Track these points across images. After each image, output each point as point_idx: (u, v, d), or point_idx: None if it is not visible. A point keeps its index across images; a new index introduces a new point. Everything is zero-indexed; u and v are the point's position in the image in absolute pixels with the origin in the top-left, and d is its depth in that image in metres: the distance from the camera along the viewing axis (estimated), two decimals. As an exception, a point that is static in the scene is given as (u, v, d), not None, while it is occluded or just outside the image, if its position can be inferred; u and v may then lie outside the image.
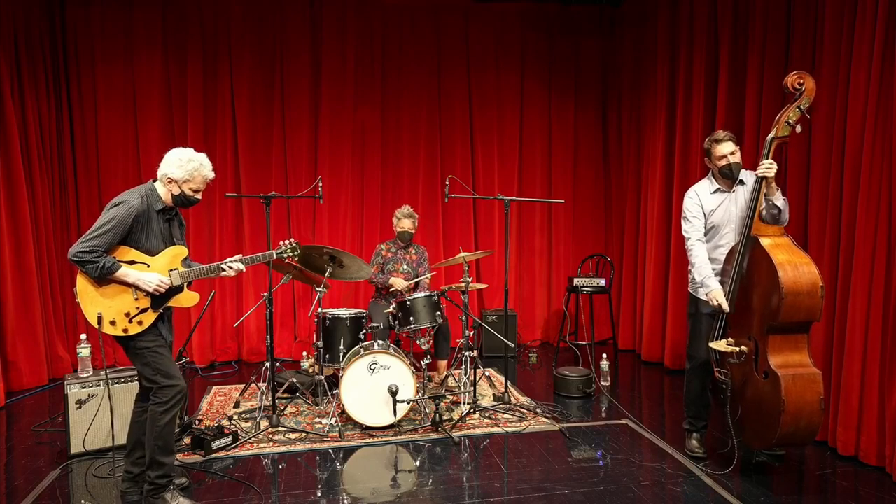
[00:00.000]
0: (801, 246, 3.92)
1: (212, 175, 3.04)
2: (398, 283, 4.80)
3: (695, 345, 3.55)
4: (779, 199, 3.21)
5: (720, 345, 3.23)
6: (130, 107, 5.57)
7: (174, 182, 2.93)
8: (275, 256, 3.37)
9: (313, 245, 4.50)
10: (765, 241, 3.09)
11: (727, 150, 3.33)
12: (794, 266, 2.99)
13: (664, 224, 5.53)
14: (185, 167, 2.92)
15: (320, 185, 4.29)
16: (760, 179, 3.15)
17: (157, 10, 5.53)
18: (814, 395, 2.98)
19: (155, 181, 2.99)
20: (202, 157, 3.00)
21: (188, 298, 3.07)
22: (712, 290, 3.29)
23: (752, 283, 3.16)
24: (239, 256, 3.20)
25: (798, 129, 3.13)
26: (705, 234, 3.47)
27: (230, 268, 3.11)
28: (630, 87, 6.22)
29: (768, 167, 3.13)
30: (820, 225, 3.74)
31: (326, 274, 4.18)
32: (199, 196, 3.02)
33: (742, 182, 3.41)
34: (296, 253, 3.44)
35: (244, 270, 3.20)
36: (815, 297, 2.98)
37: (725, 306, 3.24)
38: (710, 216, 3.45)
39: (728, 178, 3.39)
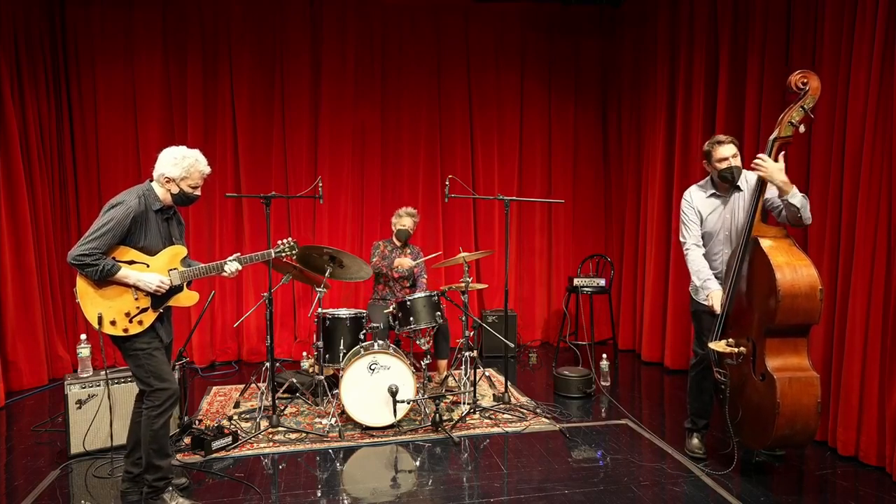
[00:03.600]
0: (800, 245, 3.94)
1: (208, 170, 3.04)
2: (405, 262, 4.78)
3: (698, 341, 3.55)
4: (795, 198, 3.03)
5: (719, 345, 3.22)
6: (130, 107, 5.57)
7: (172, 181, 2.94)
8: (273, 255, 3.38)
9: (313, 245, 4.50)
10: (765, 243, 3.06)
11: (728, 152, 3.28)
12: (792, 268, 2.96)
13: (664, 224, 5.54)
14: (180, 164, 2.93)
15: (320, 185, 4.29)
16: (762, 179, 3.11)
17: (157, 10, 5.53)
18: (811, 399, 2.97)
19: (151, 181, 2.99)
20: (196, 153, 3.00)
21: (188, 298, 3.07)
22: (712, 292, 3.30)
23: (751, 284, 3.14)
24: (237, 255, 3.20)
25: (801, 129, 3.05)
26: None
27: (229, 267, 3.12)
28: (630, 87, 6.22)
29: (758, 166, 3.04)
30: (820, 225, 3.73)
31: (326, 274, 4.18)
32: (198, 192, 3.03)
33: (739, 188, 3.34)
34: (294, 251, 3.46)
35: (240, 268, 3.20)
36: (813, 300, 2.95)
37: (717, 309, 3.25)
38: (705, 222, 3.43)
39: (727, 181, 3.33)
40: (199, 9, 5.62)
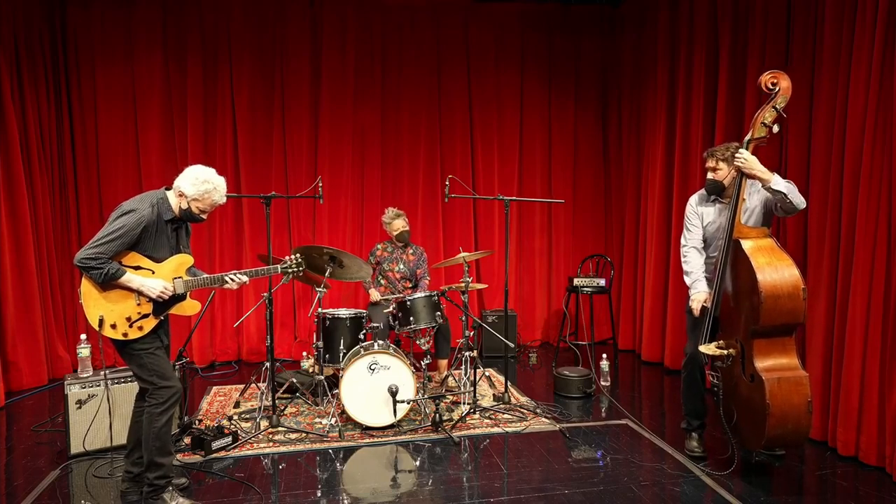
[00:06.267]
0: (801, 245, 3.94)
1: (222, 201, 3.04)
2: (373, 294, 4.90)
3: (690, 341, 3.56)
4: (779, 184, 3.03)
5: (709, 348, 3.23)
6: (130, 107, 5.57)
7: (184, 197, 2.94)
8: (279, 271, 3.37)
9: (313, 245, 4.50)
10: (746, 244, 3.06)
11: (707, 165, 3.39)
12: (774, 268, 2.96)
13: (664, 224, 5.53)
14: (198, 187, 2.92)
15: (320, 185, 4.29)
16: (740, 173, 3.13)
17: (157, 10, 5.53)
18: (800, 398, 2.97)
19: (168, 189, 2.99)
20: (219, 183, 2.99)
21: (190, 307, 3.08)
22: (697, 293, 3.39)
23: (735, 286, 3.15)
24: (244, 270, 3.21)
25: (775, 129, 3.08)
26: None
27: (232, 280, 3.13)
28: (630, 87, 6.22)
29: (736, 158, 3.09)
30: (820, 225, 3.74)
31: (326, 274, 4.18)
32: (204, 216, 3.02)
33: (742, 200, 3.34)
34: (300, 269, 3.45)
35: (247, 282, 3.21)
36: (796, 299, 2.94)
37: (696, 311, 3.34)
38: (706, 227, 3.48)
39: (707, 192, 3.44)
40: (199, 9, 5.62)
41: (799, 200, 3.08)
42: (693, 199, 3.56)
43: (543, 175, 6.55)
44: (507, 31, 6.31)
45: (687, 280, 3.49)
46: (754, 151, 3.11)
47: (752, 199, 3.32)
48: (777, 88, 3.04)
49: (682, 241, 3.57)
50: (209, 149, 5.68)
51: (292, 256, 3.46)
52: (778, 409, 2.94)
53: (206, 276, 3.08)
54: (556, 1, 6.34)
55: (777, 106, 3.04)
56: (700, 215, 3.49)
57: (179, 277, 2.98)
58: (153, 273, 2.92)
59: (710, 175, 3.38)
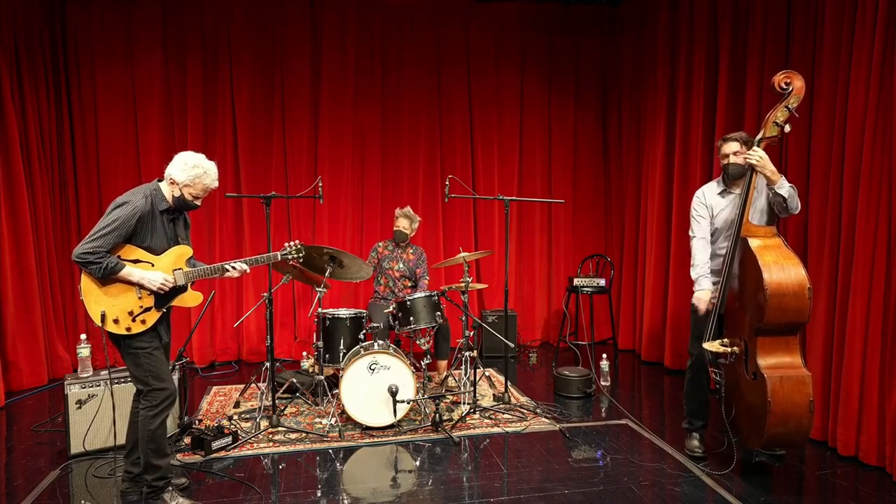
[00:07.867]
0: (801, 245, 3.94)
1: (214, 185, 3.03)
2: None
3: (694, 342, 3.56)
4: (783, 188, 3.11)
5: (713, 345, 3.24)
6: (130, 107, 5.57)
7: (175, 184, 2.94)
8: (279, 258, 3.38)
9: (313, 245, 4.50)
10: (753, 243, 3.08)
11: (730, 149, 3.35)
12: (780, 267, 2.98)
13: (664, 224, 5.53)
14: (188, 172, 2.92)
15: (320, 185, 4.29)
16: (751, 171, 3.14)
17: (157, 10, 5.53)
18: (802, 398, 2.97)
19: (161, 180, 2.99)
20: (209, 166, 2.99)
21: (192, 298, 3.08)
22: (701, 291, 3.37)
23: (741, 284, 3.16)
24: (245, 259, 3.21)
25: (787, 128, 3.10)
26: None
27: (234, 268, 3.13)
28: (630, 87, 6.22)
29: (750, 155, 3.11)
30: (820, 225, 3.74)
31: (326, 274, 4.18)
32: (198, 202, 3.01)
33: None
34: (300, 255, 3.45)
35: (248, 271, 3.21)
36: (801, 298, 2.96)
37: (702, 309, 3.33)
38: (715, 218, 3.46)
39: (731, 178, 3.40)
40: (199, 9, 5.62)
41: (795, 205, 3.17)
42: (701, 192, 3.54)
43: (543, 175, 6.56)
44: (507, 31, 6.31)
45: (693, 273, 3.48)
46: (766, 150, 3.14)
47: (761, 199, 3.33)
48: (790, 88, 3.05)
49: (691, 233, 3.55)
50: (209, 149, 5.68)
51: (292, 242, 3.46)
52: (779, 408, 2.94)
53: (206, 266, 3.08)
54: (556, 1, 6.34)
55: (790, 106, 3.06)
56: (709, 207, 3.48)
57: (179, 269, 2.98)
58: (152, 265, 2.91)
59: (732, 159, 3.34)
